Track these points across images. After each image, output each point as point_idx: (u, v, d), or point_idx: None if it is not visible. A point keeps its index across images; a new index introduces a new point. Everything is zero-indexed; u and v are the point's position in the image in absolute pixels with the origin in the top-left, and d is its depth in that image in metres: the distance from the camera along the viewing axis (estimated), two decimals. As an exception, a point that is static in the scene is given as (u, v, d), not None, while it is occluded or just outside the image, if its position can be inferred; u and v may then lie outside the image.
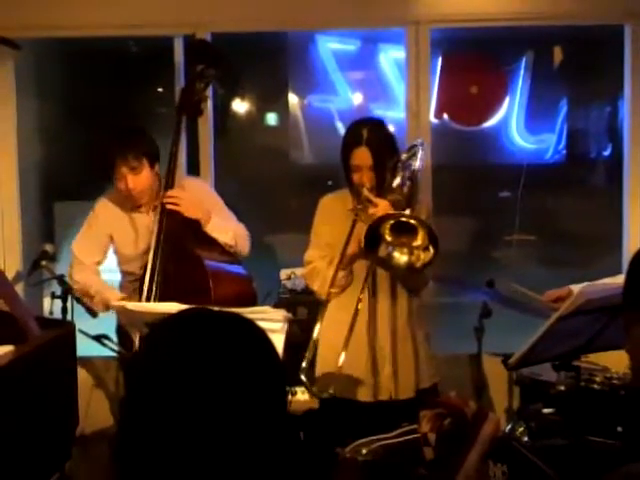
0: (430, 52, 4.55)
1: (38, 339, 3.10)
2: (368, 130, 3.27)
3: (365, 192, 3.19)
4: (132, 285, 3.74)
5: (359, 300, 3.12)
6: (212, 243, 3.66)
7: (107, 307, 3.59)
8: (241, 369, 1.20)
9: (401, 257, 3.06)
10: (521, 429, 3.38)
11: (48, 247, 4.06)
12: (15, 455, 2.82)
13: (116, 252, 3.83)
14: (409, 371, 3.36)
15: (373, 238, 3.02)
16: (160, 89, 5.56)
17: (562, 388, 3.27)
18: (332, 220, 3.39)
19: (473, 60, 5.49)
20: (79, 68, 5.44)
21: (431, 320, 3.80)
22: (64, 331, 3.40)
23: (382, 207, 3.10)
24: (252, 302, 3.62)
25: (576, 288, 3.02)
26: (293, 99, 5.62)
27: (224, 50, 4.12)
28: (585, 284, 2.93)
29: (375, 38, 5.29)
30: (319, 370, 3.23)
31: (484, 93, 5.46)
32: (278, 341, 2.65)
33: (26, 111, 4.86)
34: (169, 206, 3.61)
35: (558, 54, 5.54)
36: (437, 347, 3.72)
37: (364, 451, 2.08)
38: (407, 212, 3.12)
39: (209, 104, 4.23)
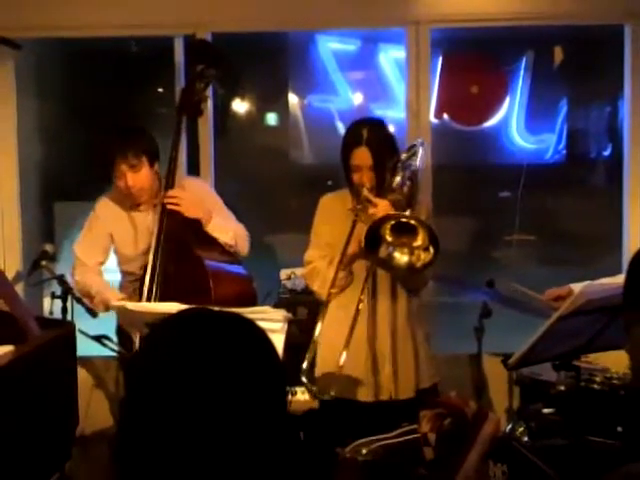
0: (430, 52, 4.55)
1: (38, 339, 3.11)
2: (368, 130, 3.27)
3: (365, 192, 3.19)
4: (132, 285, 3.74)
5: (359, 301, 3.12)
6: (212, 243, 3.66)
7: (107, 307, 3.59)
8: (241, 369, 1.20)
9: (402, 257, 3.06)
10: (521, 429, 3.38)
11: (48, 247, 4.06)
12: (15, 455, 2.82)
13: (116, 252, 3.83)
14: (409, 371, 3.36)
15: (373, 239, 3.02)
16: (160, 89, 5.56)
17: (562, 388, 3.27)
18: (332, 220, 3.38)
19: (473, 60, 5.49)
20: (79, 68, 5.44)
21: (431, 320, 3.80)
22: (64, 331, 3.40)
23: (382, 207, 3.10)
24: (252, 302, 3.62)
25: (576, 287, 3.02)
26: (293, 99, 5.62)
27: (224, 50, 4.12)
28: (585, 283, 2.93)
29: (375, 38, 5.29)
30: (319, 370, 3.23)
31: (484, 93, 5.46)
32: (278, 341, 2.65)
33: (26, 111, 4.86)
34: (170, 206, 3.61)
35: (558, 54, 5.54)
36: (437, 347, 3.73)
37: (364, 451, 2.08)
38: (407, 212, 3.12)
39: (209, 104, 4.23)
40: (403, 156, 3.31)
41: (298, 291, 4.34)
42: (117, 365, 4.26)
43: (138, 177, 3.63)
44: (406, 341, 3.37)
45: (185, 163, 4.52)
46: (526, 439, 3.30)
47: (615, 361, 3.24)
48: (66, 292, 3.79)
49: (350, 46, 5.35)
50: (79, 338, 3.36)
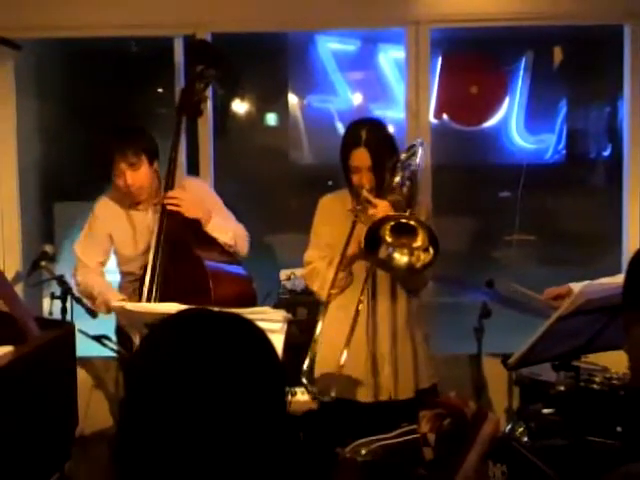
0: (430, 52, 4.55)
1: (38, 339, 3.10)
2: (367, 131, 3.27)
3: (364, 193, 3.19)
4: (132, 285, 3.74)
5: (359, 301, 3.12)
6: (212, 243, 3.66)
7: (109, 309, 3.59)
8: (240, 369, 1.20)
9: (401, 258, 3.06)
10: (521, 429, 3.38)
11: (48, 248, 4.06)
12: (15, 455, 2.82)
13: (116, 253, 3.83)
14: (408, 371, 3.36)
15: (373, 240, 3.02)
16: (160, 89, 5.56)
17: (562, 388, 3.27)
18: (332, 220, 3.38)
19: (473, 60, 5.49)
20: (79, 68, 5.44)
21: (431, 320, 3.80)
22: (64, 331, 3.40)
23: (382, 208, 3.10)
24: (252, 302, 3.62)
25: (576, 287, 3.03)
26: (293, 99, 5.62)
27: (224, 50, 4.12)
28: (585, 283, 2.93)
29: (375, 38, 5.29)
30: (319, 370, 3.23)
31: (484, 93, 5.46)
32: (278, 341, 2.65)
33: (26, 111, 4.86)
34: (170, 207, 3.61)
35: (558, 54, 5.54)
36: (437, 347, 3.73)
37: (364, 451, 2.08)
38: (407, 213, 3.12)
39: (209, 104, 4.23)
40: (402, 156, 3.31)
41: (298, 292, 4.34)
42: (117, 365, 4.26)
43: (137, 175, 3.63)
44: (405, 342, 3.37)
45: (185, 163, 4.52)
46: (526, 439, 3.30)
47: (615, 361, 3.24)
48: (66, 292, 3.80)
49: (350, 46, 5.35)
50: (79, 338, 3.36)
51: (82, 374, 4.09)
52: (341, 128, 5.17)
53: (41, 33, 4.60)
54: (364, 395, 3.32)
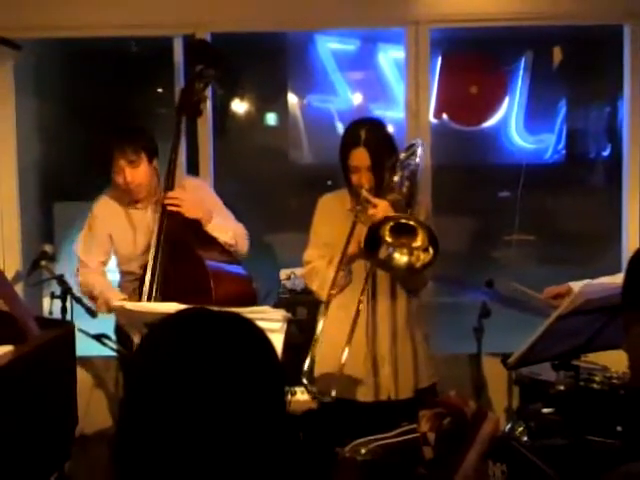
0: (430, 52, 4.56)
1: (37, 339, 3.10)
2: (366, 131, 3.27)
3: (364, 193, 3.19)
4: (132, 285, 3.74)
5: (360, 301, 3.12)
6: (212, 243, 3.66)
7: (110, 309, 3.60)
8: (240, 369, 1.20)
9: (401, 258, 3.06)
10: (520, 429, 3.38)
11: (47, 247, 4.06)
12: (14, 455, 2.82)
13: (115, 252, 3.83)
14: (408, 371, 3.36)
15: (373, 240, 3.02)
16: (160, 89, 5.56)
17: (561, 388, 3.27)
18: (331, 220, 3.38)
19: (473, 60, 5.49)
20: (79, 68, 5.44)
21: (430, 320, 3.80)
22: (64, 331, 3.40)
23: (381, 208, 3.10)
24: (253, 302, 3.62)
25: (575, 286, 3.03)
26: (293, 99, 5.62)
27: (223, 50, 4.12)
28: (584, 283, 2.93)
29: (375, 38, 5.29)
30: (319, 370, 3.23)
31: (483, 93, 5.46)
32: (277, 341, 2.65)
33: (26, 111, 4.86)
34: (170, 207, 3.61)
35: (557, 54, 5.54)
36: (437, 347, 3.73)
37: (363, 451, 2.08)
38: (407, 213, 3.12)
39: (208, 104, 4.23)
40: (402, 155, 3.31)
41: (298, 291, 4.34)
42: (116, 365, 4.27)
43: (137, 173, 3.64)
44: (405, 341, 3.37)
45: (185, 163, 4.52)
46: (525, 439, 3.29)
47: (614, 361, 3.24)
48: (65, 292, 3.80)
49: (349, 46, 5.35)
50: (79, 338, 3.36)
51: (82, 373, 4.09)
52: (341, 128, 5.17)
53: (41, 33, 4.60)
54: (364, 395, 3.32)
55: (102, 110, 5.23)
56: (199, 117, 4.08)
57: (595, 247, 5.20)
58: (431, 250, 3.01)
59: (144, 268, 3.62)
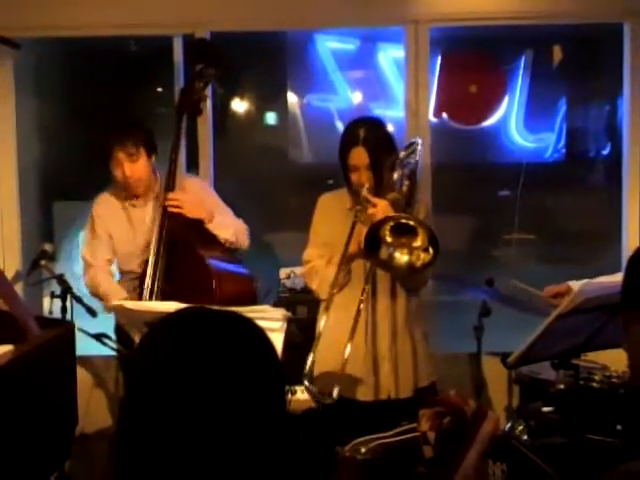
0: (429, 51, 4.55)
1: (37, 338, 3.11)
2: (365, 130, 3.27)
3: (364, 192, 3.19)
4: (132, 283, 3.74)
5: (361, 301, 3.11)
6: (214, 242, 3.67)
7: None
8: (240, 368, 1.20)
9: (402, 257, 3.06)
10: (520, 428, 3.38)
11: (47, 247, 4.06)
12: (15, 454, 2.82)
13: (115, 252, 3.83)
14: (408, 370, 3.36)
15: (373, 240, 3.02)
16: (159, 89, 5.56)
17: (561, 386, 3.27)
18: (330, 219, 3.39)
19: (472, 59, 5.49)
20: (79, 68, 5.44)
21: (430, 319, 3.80)
22: (63, 330, 3.40)
23: (381, 207, 3.10)
24: (254, 301, 3.62)
25: (575, 285, 3.03)
26: (292, 98, 5.62)
27: (223, 49, 4.12)
28: (584, 282, 2.93)
29: (374, 37, 5.29)
30: (318, 369, 3.23)
31: (483, 92, 5.46)
32: (277, 340, 2.65)
33: (25, 110, 4.86)
34: (172, 209, 3.61)
35: (557, 53, 5.53)
36: (436, 346, 3.73)
37: (363, 450, 2.09)
38: (407, 213, 3.12)
39: (208, 104, 4.23)
40: (401, 154, 3.31)
41: (297, 290, 4.34)
42: (116, 364, 4.26)
43: (135, 167, 3.64)
44: (405, 340, 3.37)
45: (184, 162, 4.52)
46: (525, 438, 3.29)
47: (614, 359, 3.24)
48: (65, 291, 3.80)
49: (349, 45, 5.35)
50: (79, 337, 3.36)
51: (82, 373, 4.09)
52: (341, 127, 5.15)
53: (41, 32, 4.61)
54: (364, 394, 3.32)
55: (102, 110, 5.23)
56: (199, 116, 4.08)
57: (595, 246, 5.20)
58: (431, 250, 3.01)
59: (144, 267, 3.62)
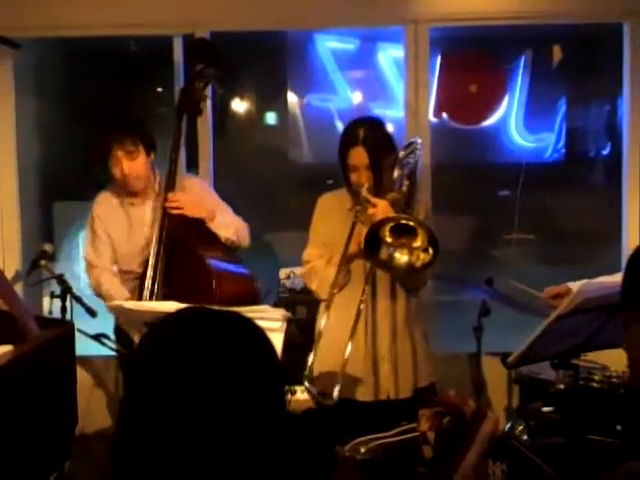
0: (429, 51, 4.55)
1: (37, 339, 3.10)
2: (364, 130, 3.26)
3: (364, 192, 3.19)
4: (132, 284, 3.74)
5: (361, 301, 3.11)
6: (214, 242, 3.66)
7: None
8: (240, 368, 1.20)
9: (401, 257, 3.06)
10: (520, 428, 3.38)
11: (47, 247, 4.06)
12: (14, 454, 2.82)
13: (115, 252, 3.83)
14: (407, 370, 3.36)
15: (373, 241, 3.02)
16: (159, 89, 5.56)
17: (561, 387, 3.27)
18: (330, 219, 3.39)
19: (472, 59, 5.49)
20: (78, 67, 5.44)
21: (430, 319, 3.80)
22: (63, 331, 3.40)
23: (381, 207, 3.10)
24: (255, 302, 3.62)
25: (574, 286, 3.03)
26: (292, 98, 5.62)
27: (223, 49, 4.12)
28: (584, 282, 2.93)
29: (374, 37, 5.29)
30: (318, 369, 3.23)
31: (483, 92, 5.46)
32: (277, 340, 2.65)
33: (25, 110, 4.86)
34: (173, 211, 3.61)
35: (557, 53, 5.54)
36: (436, 346, 3.73)
37: (363, 450, 2.09)
38: (406, 213, 3.12)
39: (208, 104, 4.23)
40: (401, 154, 3.31)
41: (297, 290, 4.34)
42: (116, 364, 4.26)
43: (134, 165, 3.64)
44: (404, 340, 3.37)
45: (184, 162, 4.52)
46: (525, 438, 3.30)
47: (614, 359, 3.24)
48: (65, 292, 3.80)
49: (349, 45, 5.35)
50: (78, 337, 3.36)
51: (82, 373, 4.09)
52: (341, 127, 5.14)
53: (41, 32, 4.61)
54: (363, 394, 3.32)
55: (102, 110, 5.23)
56: (199, 116, 4.08)
57: (595, 246, 5.20)
58: (431, 250, 3.01)
59: (144, 267, 3.62)
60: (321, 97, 5.47)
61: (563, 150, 5.59)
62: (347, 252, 3.16)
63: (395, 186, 3.21)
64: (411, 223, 3.03)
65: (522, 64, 5.40)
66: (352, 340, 3.04)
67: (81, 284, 4.66)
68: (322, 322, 3.12)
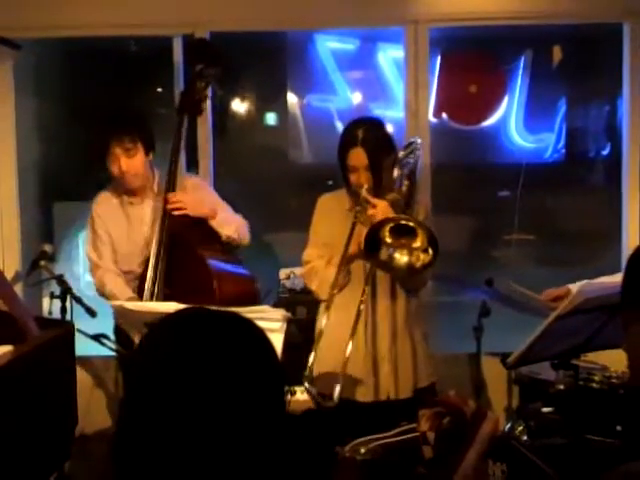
0: (429, 51, 4.56)
1: (37, 339, 3.10)
2: (364, 130, 3.26)
3: (363, 193, 3.19)
4: (133, 283, 3.74)
5: (360, 302, 3.11)
6: (214, 242, 3.66)
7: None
8: (240, 368, 1.20)
9: (401, 258, 3.06)
10: (520, 428, 3.38)
11: (47, 247, 4.06)
12: (14, 455, 2.82)
13: (115, 252, 3.83)
14: (407, 371, 3.36)
15: (373, 242, 3.02)
16: (160, 89, 5.56)
17: (561, 387, 3.27)
18: (330, 219, 3.39)
19: (472, 59, 5.49)
20: (78, 68, 5.44)
21: (430, 319, 3.80)
22: (63, 331, 3.40)
23: (381, 208, 3.10)
24: (255, 302, 3.62)
25: (574, 287, 3.02)
26: (292, 99, 5.62)
27: (223, 49, 4.12)
28: (584, 282, 2.93)
29: (374, 37, 5.29)
30: (318, 370, 3.22)
31: (483, 92, 5.46)
32: (277, 340, 2.65)
33: (25, 110, 4.86)
34: (175, 212, 3.61)
35: (557, 53, 5.54)
36: (436, 346, 3.73)
37: (363, 450, 2.09)
38: (406, 214, 3.12)
39: (208, 104, 4.23)
40: (400, 154, 3.31)
41: (297, 290, 4.34)
42: (116, 365, 4.26)
43: (132, 163, 3.64)
44: (405, 340, 3.37)
45: (184, 163, 4.51)
46: (525, 438, 3.30)
47: (614, 360, 3.24)
48: (65, 292, 3.80)
49: (349, 45, 5.35)
50: (78, 338, 3.36)
51: (82, 373, 4.09)
52: (341, 127, 5.14)
53: (41, 33, 4.60)
54: (363, 395, 3.32)
55: (102, 110, 5.22)
56: (199, 116, 4.08)
57: (595, 246, 5.20)
58: (431, 251, 3.01)
59: (144, 267, 3.62)
60: (321, 97, 5.47)
61: (563, 150, 5.59)
62: (347, 253, 3.16)
63: (395, 186, 3.21)
64: (411, 224, 3.03)
65: (522, 64, 5.40)
66: (352, 340, 3.04)
67: (81, 284, 4.67)
68: (322, 322, 3.12)
